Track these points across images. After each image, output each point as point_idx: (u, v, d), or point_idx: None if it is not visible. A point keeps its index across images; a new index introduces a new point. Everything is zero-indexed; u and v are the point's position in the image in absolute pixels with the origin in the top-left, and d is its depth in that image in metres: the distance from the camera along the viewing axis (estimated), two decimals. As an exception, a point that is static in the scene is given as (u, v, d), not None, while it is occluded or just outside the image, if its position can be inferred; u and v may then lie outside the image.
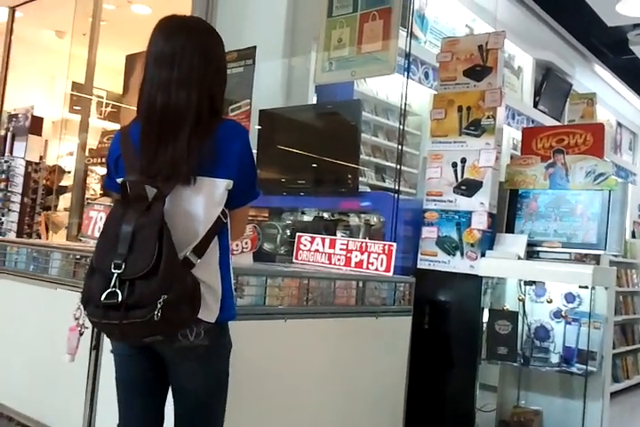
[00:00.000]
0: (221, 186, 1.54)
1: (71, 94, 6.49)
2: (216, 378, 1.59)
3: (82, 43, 5.62)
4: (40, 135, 4.81)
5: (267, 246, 3.69)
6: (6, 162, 4.45)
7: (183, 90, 1.53)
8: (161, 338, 1.47)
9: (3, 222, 4.27)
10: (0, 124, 5.27)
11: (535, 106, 6.99)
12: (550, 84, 7.06)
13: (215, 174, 1.53)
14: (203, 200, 1.53)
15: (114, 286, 1.39)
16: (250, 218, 3.93)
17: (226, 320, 1.57)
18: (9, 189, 4.31)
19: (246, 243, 2.74)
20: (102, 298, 1.38)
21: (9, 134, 4.74)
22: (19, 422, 2.91)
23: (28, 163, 4.38)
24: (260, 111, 4.05)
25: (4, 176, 4.36)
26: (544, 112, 7.00)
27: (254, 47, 4.35)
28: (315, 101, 4.45)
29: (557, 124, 6.24)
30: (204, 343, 1.50)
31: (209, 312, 1.50)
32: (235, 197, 1.59)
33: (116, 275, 1.39)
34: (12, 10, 6.22)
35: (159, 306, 1.36)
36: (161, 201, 1.46)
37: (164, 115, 1.52)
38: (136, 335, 1.45)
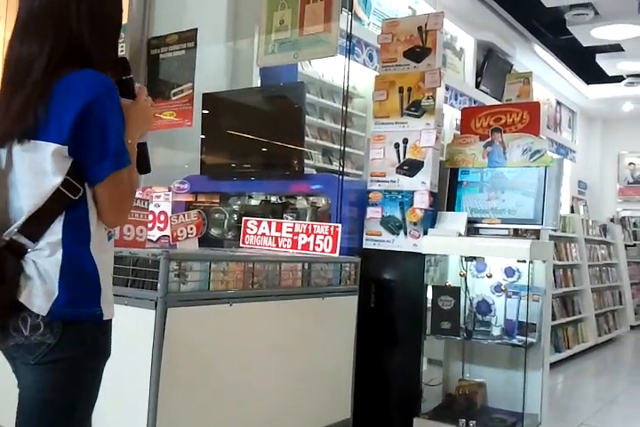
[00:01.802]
0: (46, 151, 1.26)
1: None
2: (59, 392, 1.29)
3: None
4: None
5: (214, 232, 3.68)
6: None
7: (38, 32, 1.32)
8: None
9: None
10: None
11: (477, 86, 7.12)
12: (491, 65, 7.20)
13: (40, 137, 1.27)
14: (25, 169, 1.29)
15: None
16: (197, 203, 3.92)
17: (77, 317, 1.29)
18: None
19: (191, 228, 2.74)
20: None
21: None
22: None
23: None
24: (204, 95, 4.01)
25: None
26: (486, 92, 7.14)
27: (195, 29, 4.29)
28: (259, 84, 4.43)
29: (498, 103, 6.37)
30: (46, 341, 1.25)
31: (36, 301, 1.26)
32: (83, 168, 1.30)
33: None
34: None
35: None
36: None
37: (16, 65, 1.34)
38: None
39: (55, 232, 1.28)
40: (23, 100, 1.29)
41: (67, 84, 1.28)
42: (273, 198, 3.81)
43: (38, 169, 1.28)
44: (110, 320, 1.37)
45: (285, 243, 3.07)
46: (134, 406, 1.91)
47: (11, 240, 1.27)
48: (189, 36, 4.34)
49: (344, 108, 3.82)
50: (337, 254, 2.89)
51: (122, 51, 4.59)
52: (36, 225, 1.28)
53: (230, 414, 2.29)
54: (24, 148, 1.29)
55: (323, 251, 2.93)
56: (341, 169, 3.38)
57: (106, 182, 1.31)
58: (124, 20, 4.48)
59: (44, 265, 1.27)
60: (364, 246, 3.22)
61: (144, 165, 1.45)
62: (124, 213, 1.45)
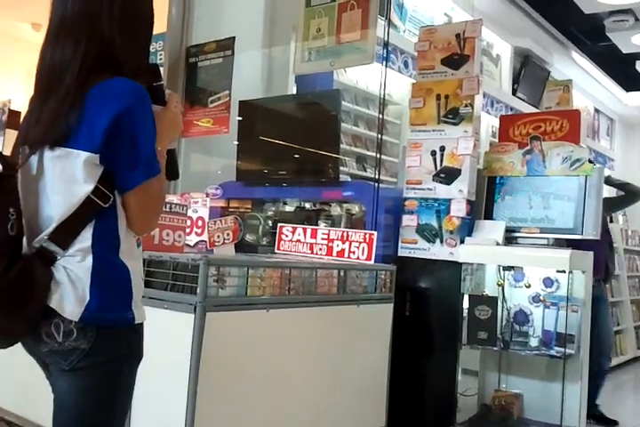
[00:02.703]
0: (78, 159, 1.25)
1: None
2: (96, 397, 1.29)
3: (58, 35, 5.56)
4: (17, 129, 4.77)
5: (249, 238, 3.70)
6: (-16, 156, 4.42)
7: (71, 37, 1.31)
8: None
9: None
10: (-23, 118, 5.22)
11: (514, 93, 7.03)
12: (528, 72, 7.11)
13: (71, 144, 1.26)
14: (56, 176, 1.28)
15: None
16: (232, 209, 3.95)
17: (110, 322, 1.29)
18: (-13, 183, 4.30)
19: (228, 234, 2.75)
20: None
21: (-14, 129, 4.70)
22: (2, 418, 2.91)
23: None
24: (240, 102, 4.05)
25: (-18, 171, 4.34)
26: (522, 99, 7.05)
27: (233, 38, 4.34)
28: (295, 92, 4.46)
29: (536, 111, 6.29)
30: (80, 346, 1.24)
31: (67, 306, 1.25)
32: (114, 177, 1.29)
33: None
34: (-13, 2, 6.12)
35: None
36: None
37: (49, 71, 1.32)
38: None
39: (85, 239, 1.28)
40: (55, 106, 1.29)
41: (99, 92, 1.27)
42: (307, 205, 3.82)
43: (69, 177, 1.27)
44: (142, 323, 1.37)
45: (320, 249, 3.07)
46: (172, 406, 1.93)
47: (41, 247, 1.27)
48: (227, 45, 4.39)
49: (380, 116, 3.83)
50: (372, 262, 2.89)
51: (161, 59, 4.68)
52: (66, 232, 1.27)
53: (264, 420, 2.29)
54: (55, 154, 1.28)
55: (358, 258, 2.93)
56: (377, 176, 3.37)
57: (136, 191, 1.30)
58: (164, 29, 4.60)
59: (75, 271, 1.27)
60: (400, 254, 3.20)
61: (173, 172, 1.44)
62: (154, 221, 1.43)
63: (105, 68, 1.30)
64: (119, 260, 1.31)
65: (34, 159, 1.32)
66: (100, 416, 1.31)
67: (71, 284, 1.25)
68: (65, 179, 1.28)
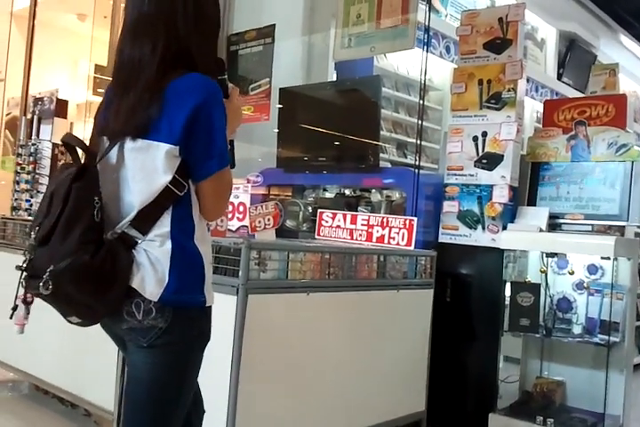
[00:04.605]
0: (159, 151, 1.33)
1: (94, 77, 6.56)
2: (169, 372, 1.38)
3: (103, 25, 5.67)
4: (65, 118, 4.87)
5: (289, 224, 3.74)
6: (34, 145, 4.54)
7: (149, 34, 1.38)
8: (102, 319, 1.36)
9: (32, 204, 4.37)
10: (26, 107, 5.36)
11: (559, 78, 6.88)
12: (574, 56, 6.93)
13: (152, 137, 1.33)
14: (137, 166, 1.36)
15: (26, 252, 1.30)
16: (272, 196, 3.99)
17: (185, 303, 1.36)
18: (37, 171, 4.41)
19: (269, 219, 2.79)
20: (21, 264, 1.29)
21: (35, 118, 4.81)
22: (55, 396, 3.03)
23: (55, 145, 4.45)
24: (281, 89, 4.07)
25: (31, 159, 4.45)
26: (568, 84, 6.89)
27: (273, 25, 4.35)
28: (334, 78, 4.45)
29: (582, 95, 6.14)
30: (157, 325, 1.32)
31: (148, 287, 1.32)
32: (190, 167, 1.37)
33: (32, 239, 1.31)
34: (34, -6, 6.27)
35: (45, 278, 1.22)
36: (77, 161, 1.35)
37: (129, 66, 1.39)
38: (61, 313, 1.33)
39: (164, 225, 1.35)
40: (135, 99, 1.35)
41: (177, 87, 1.33)
42: (347, 191, 3.83)
43: (150, 167, 1.34)
44: (211, 306, 1.44)
45: (360, 235, 3.08)
46: (216, 383, 1.97)
47: (123, 233, 1.34)
48: (267, 32, 4.40)
49: (421, 102, 3.80)
50: (412, 248, 2.88)
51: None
52: (146, 219, 1.35)
53: (305, 401, 2.33)
54: (136, 146, 1.35)
55: (398, 244, 2.93)
56: (418, 163, 3.36)
57: (211, 179, 1.38)
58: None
59: (155, 254, 1.34)
60: (440, 240, 3.19)
61: (232, 161, 1.52)
62: (224, 207, 1.53)
63: (180, 64, 1.37)
64: (194, 245, 1.39)
65: (114, 149, 1.39)
66: (169, 391, 1.39)
67: (152, 266, 1.33)
68: (146, 169, 1.35)
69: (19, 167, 4.58)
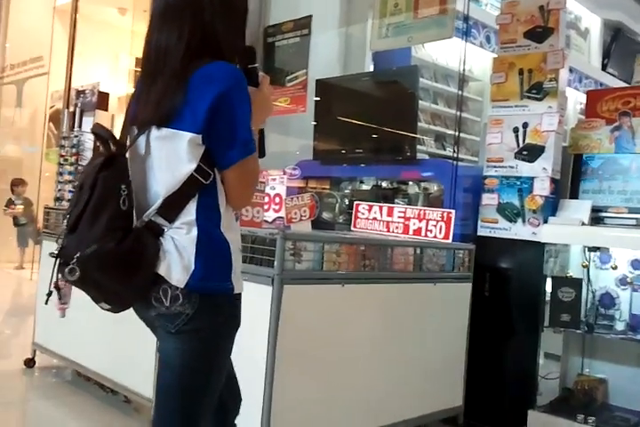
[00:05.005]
0: (183, 140, 1.33)
1: (135, 70, 6.66)
2: (197, 359, 1.39)
3: (143, 19, 5.73)
4: (107, 110, 4.97)
5: (325, 215, 3.73)
6: (76, 137, 4.64)
7: (175, 22, 1.38)
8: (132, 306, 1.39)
9: (74, 195, 4.48)
10: (69, 100, 5.48)
11: (604, 68, 6.69)
12: (619, 46, 6.73)
13: (176, 125, 1.34)
14: (163, 155, 1.37)
15: (58, 239, 1.33)
16: (309, 189, 3.98)
17: (211, 290, 1.37)
18: (79, 162, 4.51)
19: (304, 211, 2.78)
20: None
21: (77, 110, 4.92)
22: (96, 382, 3.10)
23: (97, 137, 4.55)
24: (317, 81, 4.05)
25: (74, 150, 4.56)
26: (613, 75, 6.69)
27: (310, 16, 4.34)
28: (372, 70, 4.41)
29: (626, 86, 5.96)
30: (185, 311, 1.33)
31: (175, 274, 1.33)
32: (214, 155, 1.37)
33: (64, 226, 1.34)
34: (76, -11, 6.38)
35: (72, 265, 1.25)
36: (106, 151, 1.37)
37: (155, 54, 1.40)
38: (92, 298, 1.35)
39: (190, 213, 1.36)
40: (162, 88, 1.36)
41: (202, 76, 1.33)
42: (384, 184, 3.80)
43: (174, 156, 1.35)
44: (240, 294, 1.44)
45: (397, 228, 3.06)
46: (252, 371, 1.99)
47: (150, 221, 1.36)
48: (304, 24, 4.39)
49: (460, 93, 3.74)
50: (450, 240, 2.84)
51: (240, 39, 4.73)
52: (172, 207, 1.36)
53: (339, 393, 2.32)
54: (162, 134, 1.35)
55: (435, 237, 2.89)
56: (456, 155, 3.30)
57: (234, 168, 1.37)
58: (243, 10, 4.65)
59: (181, 241, 1.35)
60: (479, 233, 3.13)
61: (261, 150, 1.50)
62: (250, 196, 1.51)
63: (206, 52, 1.37)
64: (220, 233, 1.39)
65: (142, 139, 1.40)
66: (198, 377, 1.40)
67: (178, 253, 1.34)
68: (170, 158, 1.36)
69: (62, 159, 4.68)
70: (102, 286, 1.30)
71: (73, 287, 1.34)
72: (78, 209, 1.30)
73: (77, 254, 1.25)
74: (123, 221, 1.32)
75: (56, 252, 1.31)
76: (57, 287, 1.39)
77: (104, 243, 1.26)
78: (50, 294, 1.40)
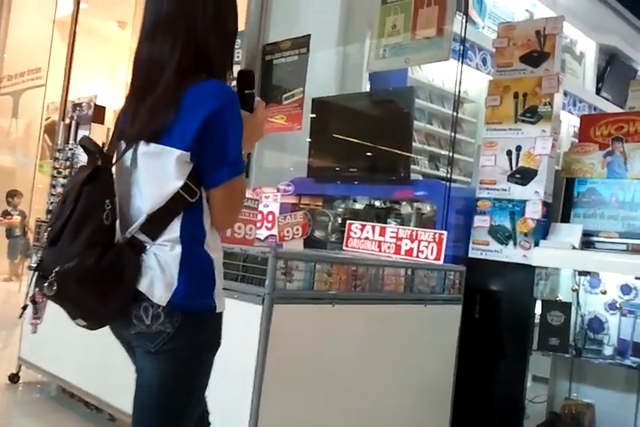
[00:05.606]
0: (171, 156, 1.31)
1: (132, 84, 6.67)
2: (177, 379, 1.35)
3: (142, 33, 5.77)
4: (102, 124, 4.97)
5: (318, 234, 3.74)
6: (70, 149, 4.63)
7: (168, 36, 1.36)
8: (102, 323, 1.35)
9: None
10: (65, 112, 5.49)
11: (598, 93, 6.76)
12: (614, 70, 6.81)
13: (165, 141, 1.31)
14: (150, 171, 1.35)
15: (39, 252, 1.32)
16: (302, 205, 3.99)
17: (194, 308, 1.34)
18: (72, 175, 4.50)
19: (297, 229, 2.79)
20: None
21: (73, 123, 4.92)
22: (80, 399, 3.07)
23: (91, 150, 4.55)
24: (314, 99, 4.08)
25: (68, 163, 4.55)
26: (607, 99, 6.77)
27: (308, 35, 4.37)
28: (368, 89, 4.45)
29: (621, 111, 6.03)
30: (166, 330, 1.30)
31: (157, 292, 1.30)
32: (202, 174, 1.34)
33: (44, 239, 1.32)
34: (77, 1, 6.43)
35: (50, 279, 1.22)
36: (92, 164, 1.33)
37: (147, 68, 1.38)
38: (70, 314, 1.31)
39: (174, 230, 1.34)
40: (153, 104, 1.34)
41: (195, 93, 1.32)
42: (377, 203, 3.81)
43: (161, 172, 1.33)
44: (222, 313, 1.42)
45: (389, 248, 3.06)
46: (239, 392, 1.98)
47: (132, 237, 1.34)
48: (302, 42, 4.43)
49: (454, 114, 3.77)
50: (441, 262, 2.85)
51: (238, 57, 4.77)
52: (156, 224, 1.34)
53: (328, 413, 2.30)
54: (150, 150, 1.34)
55: (426, 258, 2.89)
56: (449, 176, 3.32)
57: (222, 188, 1.36)
58: (242, 27, 4.68)
59: (165, 258, 1.33)
60: (470, 255, 3.14)
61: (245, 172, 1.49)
62: (235, 216, 1.49)
63: (199, 68, 1.35)
64: (204, 251, 1.37)
65: (128, 153, 1.38)
66: (178, 397, 1.36)
67: (161, 269, 1.32)
68: (157, 174, 1.34)
69: (55, 171, 4.67)
70: (80, 301, 1.28)
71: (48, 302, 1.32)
72: (60, 222, 1.28)
73: (57, 269, 1.23)
74: (105, 236, 1.30)
75: (34, 265, 1.30)
76: (33, 301, 1.36)
77: (84, 258, 1.24)
78: (25, 307, 1.37)
